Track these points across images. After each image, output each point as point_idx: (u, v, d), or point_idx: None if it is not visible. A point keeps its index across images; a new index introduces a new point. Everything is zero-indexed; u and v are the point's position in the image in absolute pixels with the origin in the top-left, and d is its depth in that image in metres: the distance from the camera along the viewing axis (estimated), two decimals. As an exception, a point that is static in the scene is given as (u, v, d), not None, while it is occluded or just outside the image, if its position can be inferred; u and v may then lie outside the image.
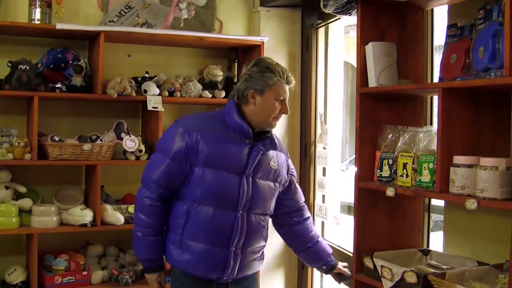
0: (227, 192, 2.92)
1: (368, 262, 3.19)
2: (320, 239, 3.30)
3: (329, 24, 4.45)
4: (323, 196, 4.49)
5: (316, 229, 3.36)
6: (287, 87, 2.98)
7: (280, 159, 3.11)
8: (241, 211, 2.94)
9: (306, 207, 3.32)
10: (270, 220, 3.21)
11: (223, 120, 2.99)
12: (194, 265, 2.96)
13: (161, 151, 2.98)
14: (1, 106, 3.99)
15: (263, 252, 3.20)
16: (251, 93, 2.95)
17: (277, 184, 3.09)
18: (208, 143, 2.90)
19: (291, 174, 3.22)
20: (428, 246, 3.51)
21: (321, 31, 4.56)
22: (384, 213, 3.33)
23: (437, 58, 3.33)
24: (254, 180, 2.97)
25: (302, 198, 3.31)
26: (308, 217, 3.30)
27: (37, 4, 3.82)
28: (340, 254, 4.02)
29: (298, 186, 3.29)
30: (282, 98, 2.95)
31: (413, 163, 2.95)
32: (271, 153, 3.05)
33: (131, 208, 4.12)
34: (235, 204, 2.93)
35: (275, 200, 3.14)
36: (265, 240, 3.17)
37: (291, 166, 3.24)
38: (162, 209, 2.99)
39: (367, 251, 3.26)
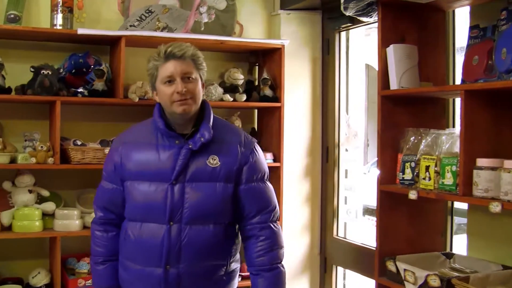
0: (152, 203, 2.63)
1: (390, 266, 3.17)
2: (260, 278, 2.70)
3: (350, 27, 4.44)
4: (345, 198, 4.49)
5: (264, 261, 2.69)
6: (171, 64, 2.60)
7: (229, 153, 2.68)
8: (171, 223, 2.61)
9: (258, 223, 2.71)
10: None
11: (152, 126, 2.73)
12: (131, 286, 2.73)
13: (103, 172, 2.83)
14: (24, 111, 4.03)
15: (233, 271, 2.79)
16: (153, 94, 2.74)
17: (223, 184, 2.65)
18: (132, 154, 2.70)
19: (239, 168, 2.69)
20: (451, 249, 3.49)
21: (342, 33, 4.54)
22: (406, 216, 3.31)
23: (459, 60, 3.31)
24: (185, 185, 2.61)
25: (251, 208, 2.72)
26: (255, 241, 2.71)
27: (59, 10, 3.84)
28: (366, 252, 4.02)
29: (254, 190, 2.73)
30: (168, 79, 2.60)
31: (435, 165, 2.93)
32: (211, 148, 2.65)
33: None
34: (161, 216, 2.61)
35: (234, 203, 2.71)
36: (227, 255, 2.72)
37: (247, 159, 2.71)
38: (107, 235, 2.79)
39: (389, 254, 3.24)
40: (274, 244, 2.71)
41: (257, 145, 2.79)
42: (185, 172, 2.61)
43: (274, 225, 2.73)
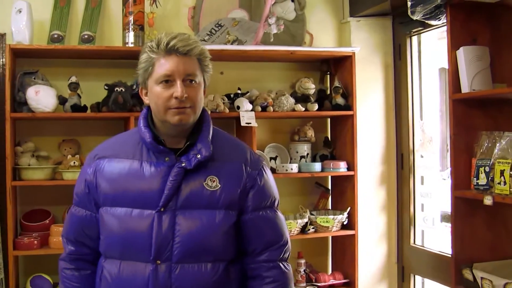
0: (132, 236, 2.10)
1: (467, 274, 3.09)
2: None
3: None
4: (422, 205, 4.41)
5: None
6: (173, 60, 2.10)
7: (232, 173, 2.17)
8: (158, 262, 2.07)
9: (266, 261, 2.20)
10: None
11: (136, 138, 2.21)
12: None
13: (74, 196, 2.28)
14: (100, 127, 4.14)
15: None
16: (141, 91, 2.24)
17: (225, 212, 2.13)
18: (108, 172, 2.16)
19: (244, 192, 2.17)
20: (535, 256, 3.37)
21: (414, 38, 4.47)
22: (483, 222, 3.23)
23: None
24: (177, 213, 2.09)
25: (258, 242, 2.20)
26: (260, 283, 2.19)
27: (131, 28, 3.94)
28: (444, 260, 3.92)
29: (263, 220, 2.21)
30: (165, 78, 2.09)
31: (511, 169, 2.84)
32: (209, 167, 2.15)
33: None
34: (146, 252, 2.08)
35: (235, 236, 2.19)
36: None
37: (255, 182, 2.19)
38: (79, 274, 2.23)
39: (466, 262, 3.16)
40: None
41: (266, 164, 2.28)
42: (176, 196, 2.10)
43: (284, 265, 2.22)
